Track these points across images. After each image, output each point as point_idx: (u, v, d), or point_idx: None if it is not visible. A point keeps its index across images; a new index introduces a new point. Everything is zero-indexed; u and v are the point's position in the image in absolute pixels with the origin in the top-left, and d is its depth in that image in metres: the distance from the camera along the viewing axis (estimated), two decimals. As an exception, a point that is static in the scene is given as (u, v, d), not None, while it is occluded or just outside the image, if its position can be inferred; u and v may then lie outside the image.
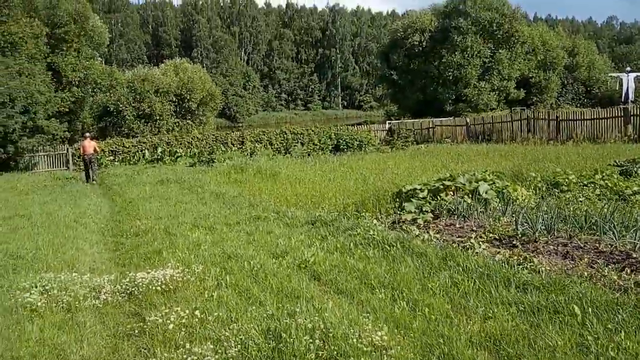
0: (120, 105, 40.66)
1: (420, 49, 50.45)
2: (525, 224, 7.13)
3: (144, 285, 6.19)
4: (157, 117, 41.62)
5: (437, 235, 7.82)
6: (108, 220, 12.42)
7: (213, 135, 33.52)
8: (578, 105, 53.84)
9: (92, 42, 38.15)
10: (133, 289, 6.20)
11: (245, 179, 16.72)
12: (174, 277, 6.40)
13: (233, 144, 32.48)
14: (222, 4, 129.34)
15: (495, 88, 49.37)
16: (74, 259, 8.33)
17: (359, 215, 9.89)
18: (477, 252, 6.37)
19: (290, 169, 17.67)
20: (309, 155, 26.25)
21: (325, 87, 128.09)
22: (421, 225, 8.86)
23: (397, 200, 10.48)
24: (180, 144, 31.13)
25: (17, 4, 31.85)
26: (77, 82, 35.07)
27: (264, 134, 33.66)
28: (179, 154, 28.68)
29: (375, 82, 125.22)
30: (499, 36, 49.18)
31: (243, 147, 31.44)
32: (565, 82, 57.18)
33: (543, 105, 52.09)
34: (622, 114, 22.42)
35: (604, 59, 64.81)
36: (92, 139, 24.85)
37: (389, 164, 17.83)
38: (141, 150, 29.76)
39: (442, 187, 10.21)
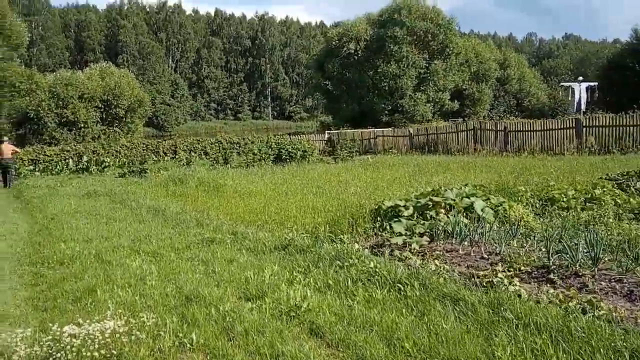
0: (41, 111, 37.59)
1: (356, 58, 49.67)
2: (559, 252, 5.87)
3: (74, 349, 4.41)
4: (82, 124, 38.77)
5: (445, 266, 6.47)
6: (26, 243, 10.36)
7: (143, 143, 31.22)
8: (509, 117, 54.69)
9: (9, 42, 34.95)
10: (59, 355, 4.40)
11: (186, 192, 14.90)
12: (117, 334, 4.66)
13: (165, 153, 30.33)
14: (148, 10, 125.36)
15: (431, 99, 49.27)
16: (-22, 300, 6.43)
17: (334, 237, 8.45)
18: (518, 294, 5.01)
19: (237, 180, 15.97)
20: (248, 165, 24.58)
21: (255, 97, 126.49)
22: (416, 251, 7.51)
23: (378, 219, 9.09)
24: (108, 152, 28.69)
25: None
26: (-9, 85, 31.96)
27: (199, 143, 31.70)
28: (107, 164, 26.29)
29: (306, 92, 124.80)
30: (433, 47, 49.14)
31: (176, 157, 29.36)
32: (497, 94, 58.11)
33: (476, 117, 52.55)
34: (574, 125, 22.08)
35: (533, 72, 66.58)
36: (10, 143, 23.69)
37: (343, 176, 16.48)
38: (65, 159, 27.13)
39: (430, 203, 8.91)
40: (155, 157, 29.46)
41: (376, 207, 9.52)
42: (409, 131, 31.39)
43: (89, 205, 14.38)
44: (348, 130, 37.10)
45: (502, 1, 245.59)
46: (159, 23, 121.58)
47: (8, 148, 23.41)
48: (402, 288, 5.73)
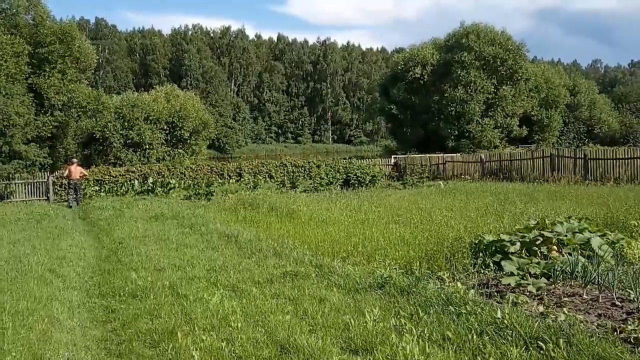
0: (107, 132, 38.07)
1: (422, 82, 48.59)
2: None
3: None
4: (147, 146, 39.05)
5: (578, 316, 5.34)
6: (94, 270, 9.73)
7: (208, 165, 30.98)
8: (580, 144, 52.28)
9: (78, 64, 35.59)
10: None
11: (257, 218, 14.09)
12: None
13: (230, 176, 29.93)
14: (212, 35, 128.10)
15: (499, 125, 47.51)
16: (43, 340, 5.67)
17: (431, 274, 7.40)
18: None
19: (310, 206, 15.09)
20: (316, 190, 23.74)
21: (316, 121, 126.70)
22: (533, 295, 6.38)
23: (479, 254, 7.97)
24: (173, 174, 28.47)
25: (-2, 20, 29.38)
26: (60, 106, 32.39)
27: (264, 166, 31.21)
28: (172, 186, 25.99)
29: (366, 116, 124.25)
30: (502, 72, 47.53)
31: (241, 179, 28.90)
32: (567, 120, 55.75)
33: (545, 143, 50.43)
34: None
35: (604, 98, 63.77)
36: (79, 164, 24.36)
37: (422, 203, 15.35)
38: (130, 181, 27.01)
39: (540, 239, 7.73)
40: (220, 179, 29.09)
41: (476, 241, 8.40)
42: (480, 157, 29.92)
43: (156, 229, 13.77)
44: (415, 155, 35.91)
45: (571, 29, 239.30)
46: (222, 47, 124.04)
47: (77, 170, 23.63)
48: (544, 347, 4.62)
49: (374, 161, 32.40)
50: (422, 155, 35.73)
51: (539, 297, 6.37)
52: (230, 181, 28.93)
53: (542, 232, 7.96)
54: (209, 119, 45.17)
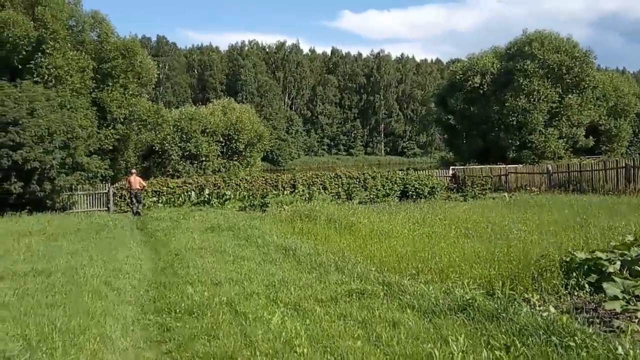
0: (166, 145, 38.53)
1: (481, 92, 47.22)
2: None
3: None
4: (203, 158, 39.34)
5: None
6: (150, 283, 9.36)
7: (262, 177, 30.83)
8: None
9: (139, 79, 36.18)
10: None
11: (315, 230, 13.51)
12: None
13: (284, 187, 29.64)
14: (267, 50, 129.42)
15: (564, 135, 45.59)
16: (95, 361, 5.25)
17: (516, 295, 6.64)
18: None
19: (370, 218, 14.44)
20: (372, 202, 23.05)
21: (368, 133, 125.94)
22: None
23: (573, 274, 7.16)
24: (228, 185, 28.41)
25: (64, 36, 30.02)
26: (122, 119, 32.92)
27: (318, 177, 30.81)
28: (227, 197, 25.84)
29: (420, 128, 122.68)
30: (568, 80, 45.66)
31: (296, 191, 28.52)
32: (637, 130, 53.09)
33: (613, 154, 48.06)
34: None
35: (677, 106, 60.34)
36: (138, 175, 24.92)
37: (492, 217, 14.46)
38: (187, 192, 27.07)
39: (643, 257, 6.86)
40: (274, 190, 28.82)
41: (567, 259, 7.56)
42: (547, 168, 28.55)
43: (212, 240, 13.40)
44: (475, 167, 34.72)
45: (633, 37, 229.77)
46: (277, 62, 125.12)
47: (137, 180, 23.87)
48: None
49: (431, 172, 31.45)
50: (482, 166, 34.50)
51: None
52: (285, 192, 28.61)
53: (640, 249, 7.08)
54: (263, 131, 45.21)
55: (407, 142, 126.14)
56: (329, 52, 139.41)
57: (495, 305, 5.98)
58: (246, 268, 9.69)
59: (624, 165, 24.39)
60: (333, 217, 14.64)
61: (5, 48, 27.38)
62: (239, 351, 5.35)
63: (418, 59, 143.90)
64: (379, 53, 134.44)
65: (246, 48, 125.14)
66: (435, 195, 24.40)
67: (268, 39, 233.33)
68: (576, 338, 4.76)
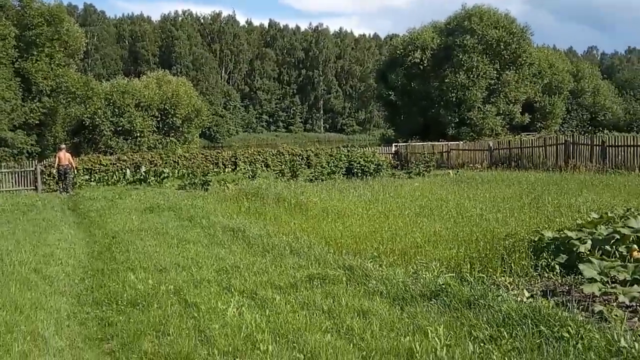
0: (97, 119, 36.63)
1: (421, 68, 47.16)
2: None
3: None
4: (138, 134, 37.64)
5: None
6: (86, 270, 8.52)
7: (202, 154, 29.74)
8: (582, 132, 51.30)
9: (66, 48, 34.07)
10: None
11: (263, 210, 12.84)
12: None
13: (225, 165, 28.70)
14: (202, 21, 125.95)
15: (501, 112, 46.33)
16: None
17: (485, 278, 6.27)
18: None
19: (321, 197, 13.89)
20: (316, 179, 22.52)
21: (307, 109, 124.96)
22: (625, 306, 5.30)
23: (543, 255, 6.85)
24: (166, 163, 27.19)
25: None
26: (48, 92, 30.96)
27: (260, 155, 30.03)
28: (165, 175, 24.68)
29: (358, 105, 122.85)
30: (505, 56, 46.21)
31: (237, 168, 27.67)
32: (570, 107, 54.64)
33: (547, 131, 49.32)
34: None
35: (608, 84, 62.44)
36: (67, 151, 23.59)
37: (440, 193, 14.22)
38: (122, 169, 25.69)
39: (615, 236, 6.60)
40: (215, 168, 27.87)
41: (535, 239, 7.26)
42: (488, 145, 28.79)
43: (153, 221, 12.54)
44: (417, 143, 34.67)
45: (564, 15, 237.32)
46: (213, 34, 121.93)
47: (66, 156, 22.62)
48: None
49: (374, 149, 31.16)
50: (425, 143, 34.54)
51: (631, 310, 5.27)
52: (226, 170, 27.73)
53: (615, 228, 6.83)
54: (202, 106, 43.70)
55: (346, 119, 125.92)
56: (266, 25, 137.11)
57: (472, 291, 5.56)
58: (193, 252, 8.99)
59: (563, 142, 24.81)
60: (281, 195, 14.01)
61: None
62: (195, 350, 4.71)
63: (357, 34, 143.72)
64: (317, 27, 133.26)
65: (180, 19, 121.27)
66: (381, 173, 24.09)
67: (203, 10, 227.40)
68: (569, 328, 4.36)
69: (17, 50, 29.25)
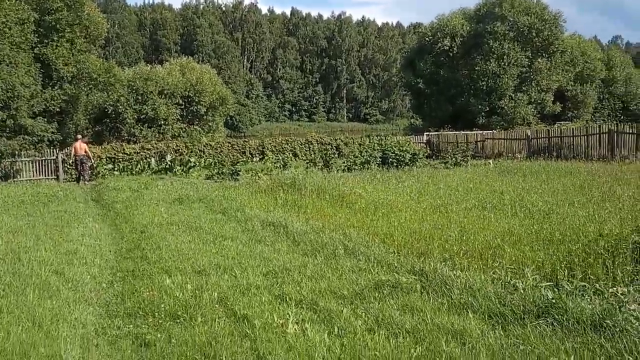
0: (120, 107, 35.78)
1: (450, 55, 45.68)
2: None
3: None
4: (162, 122, 36.71)
5: None
6: (114, 271, 7.55)
7: (229, 143, 28.77)
8: (615, 122, 49.41)
9: (87, 33, 33.17)
10: None
11: (303, 203, 11.78)
12: None
13: (252, 154, 27.70)
14: (224, 9, 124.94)
15: (533, 100, 44.66)
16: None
17: (587, 286, 5.16)
18: None
19: (366, 189, 12.80)
20: (350, 169, 21.45)
21: (330, 99, 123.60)
22: None
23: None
24: (192, 151, 26.32)
25: (1, -16, 26.89)
26: (69, 78, 30.03)
27: (288, 144, 28.98)
28: (192, 164, 23.79)
29: (382, 94, 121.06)
30: (537, 44, 44.48)
31: (265, 158, 26.69)
32: (602, 96, 52.70)
33: (579, 121, 47.55)
34: None
35: (638, 73, 60.20)
36: (83, 141, 23.33)
37: (495, 185, 13.06)
38: (146, 158, 24.86)
39: None
40: (242, 157, 26.90)
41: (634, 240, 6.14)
42: (526, 133, 27.43)
43: (183, 214, 11.59)
44: (450, 133, 33.37)
45: (585, 6, 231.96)
46: (235, 22, 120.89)
47: (82, 147, 22.09)
48: None
49: (408, 139, 29.95)
50: (457, 132, 33.21)
51: None
52: (253, 159, 26.75)
53: None
54: (227, 94, 42.64)
55: (369, 109, 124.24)
56: (288, 14, 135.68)
57: (596, 309, 4.44)
58: (232, 250, 8.00)
59: (607, 131, 23.48)
60: (322, 187, 12.94)
61: None
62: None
63: (379, 23, 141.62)
64: (340, 15, 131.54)
65: (201, 7, 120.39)
66: (417, 163, 22.96)
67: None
68: None
69: (36, 35, 28.32)
